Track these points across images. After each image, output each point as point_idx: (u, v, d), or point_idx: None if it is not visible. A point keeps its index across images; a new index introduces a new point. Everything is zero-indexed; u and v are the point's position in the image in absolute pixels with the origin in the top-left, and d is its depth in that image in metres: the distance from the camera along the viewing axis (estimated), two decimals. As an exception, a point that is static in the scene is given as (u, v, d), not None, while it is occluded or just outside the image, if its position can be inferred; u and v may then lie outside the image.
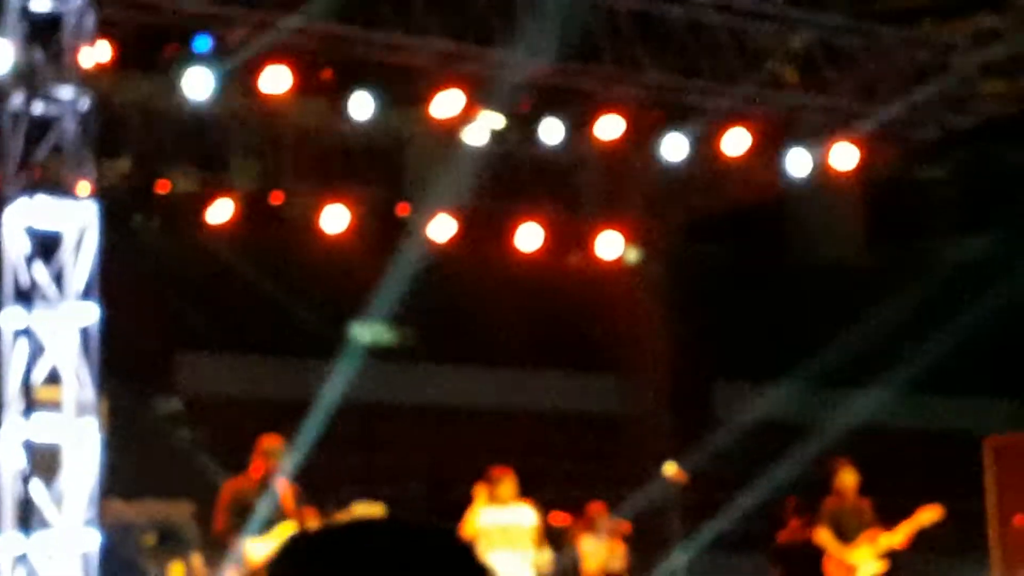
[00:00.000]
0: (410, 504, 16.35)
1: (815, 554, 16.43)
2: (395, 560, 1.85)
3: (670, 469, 15.84)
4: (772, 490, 19.71)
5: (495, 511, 15.19)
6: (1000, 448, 17.82)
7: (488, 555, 14.96)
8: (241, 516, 14.26)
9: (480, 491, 15.15)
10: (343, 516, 14.88)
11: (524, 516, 15.22)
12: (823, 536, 16.38)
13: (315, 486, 15.13)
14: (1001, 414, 21.36)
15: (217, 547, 14.37)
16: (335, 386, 19.43)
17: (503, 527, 15.14)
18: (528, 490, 16.57)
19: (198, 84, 15.05)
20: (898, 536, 16.35)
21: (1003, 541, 17.40)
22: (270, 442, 14.64)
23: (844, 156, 17.17)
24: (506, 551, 15.02)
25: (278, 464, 14.52)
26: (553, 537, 16.36)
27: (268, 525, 14.35)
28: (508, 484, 15.24)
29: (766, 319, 20.32)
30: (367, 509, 15.00)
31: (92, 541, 11.90)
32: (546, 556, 15.18)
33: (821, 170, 17.55)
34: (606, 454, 15.74)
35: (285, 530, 14.40)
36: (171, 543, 14.20)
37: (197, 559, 14.31)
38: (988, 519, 17.40)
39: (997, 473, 17.62)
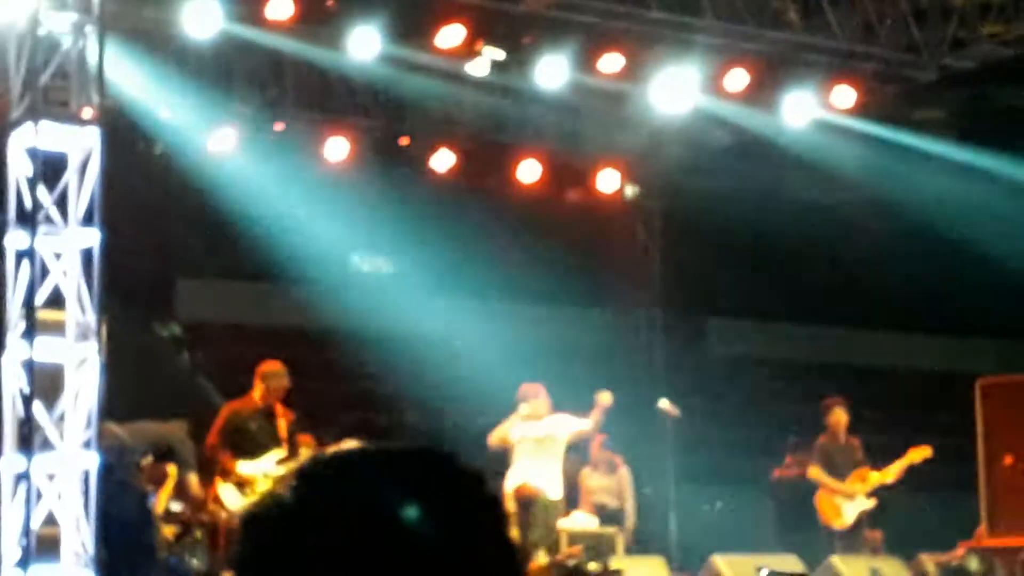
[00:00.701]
0: (406, 433, 16.51)
1: (808, 490, 16.64)
2: (401, 484, 1.82)
3: (664, 404, 16.01)
4: (766, 426, 19.91)
5: (530, 425, 15.43)
6: (991, 388, 17.97)
7: (524, 465, 15.26)
8: (237, 436, 14.49)
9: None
10: (339, 445, 15.01)
11: (559, 427, 15.47)
12: (815, 472, 16.59)
13: (312, 414, 15.32)
14: (992, 354, 21.53)
15: (207, 462, 14.60)
16: (332, 314, 19.57)
17: (539, 439, 15.40)
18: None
19: (203, 15, 15.19)
20: (888, 474, 16.55)
21: (991, 480, 17.59)
22: (271, 367, 14.84)
23: (843, 96, 17.24)
24: (540, 460, 15.32)
25: (278, 389, 14.74)
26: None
27: (262, 448, 14.57)
28: (542, 400, 15.49)
29: (762, 256, 20.43)
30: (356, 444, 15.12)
31: (92, 462, 12.04)
32: None
33: (820, 110, 17.64)
34: (601, 388, 15.85)
35: (277, 454, 14.61)
36: (167, 463, 14.36)
37: (193, 478, 14.48)
38: (978, 458, 17.58)
39: (987, 413, 17.78)
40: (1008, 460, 17.51)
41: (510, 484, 15.37)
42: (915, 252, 20.67)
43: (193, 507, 14.32)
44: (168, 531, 13.90)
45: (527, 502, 15.21)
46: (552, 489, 15.42)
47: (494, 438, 15.65)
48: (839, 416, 16.71)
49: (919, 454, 16.65)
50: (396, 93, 17.80)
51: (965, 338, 22.76)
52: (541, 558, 14.78)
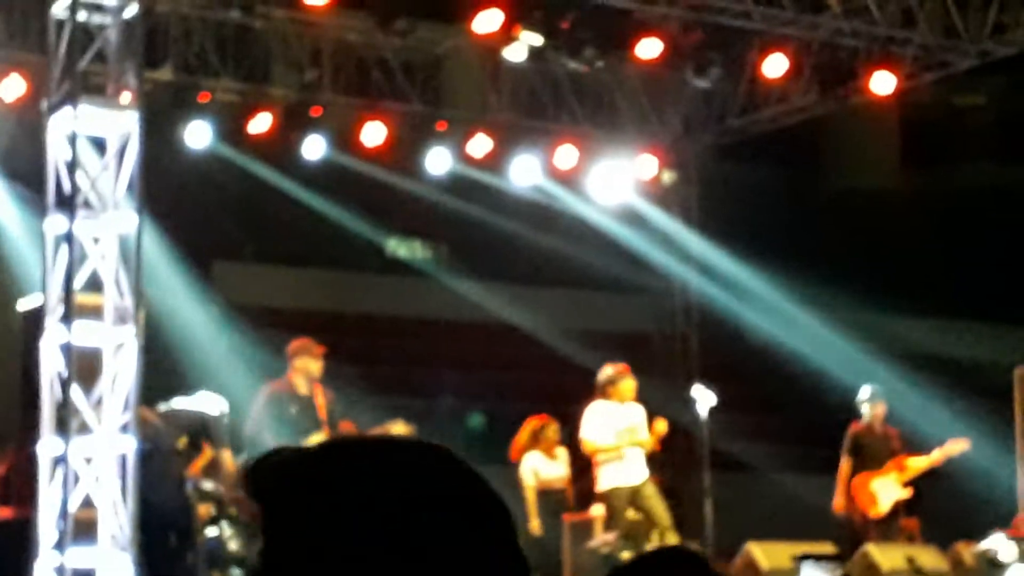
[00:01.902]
0: (442, 418, 16.53)
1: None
2: (401, 480, 1.82)
3: (698, 390, 15.96)
4: (804, 413, 19.88)
5: (616, 408, 15.38)
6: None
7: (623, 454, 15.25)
8: (276, 418, 14.44)
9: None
10: (377, 430, 15.04)
11: (639, 413, 15.49)
12: (842, 465, 16.55)
13: (348, 398, 15.31)
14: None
15: (248, 445, 14.56)
16: (369, 299, 19.61)
17: (630, 427, 15.37)
18: (557, 408, 16.75)
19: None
20: (925, 464, 16.49)
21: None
22: (300, 344, 14.76)
23: (882, 82, 17.14)
24: (633, 448, 15.32)
25: (314, 370, 14.65)
26: (580, 455, 16.55)
27: (304, 432, 14.52)
28: (629, 382, 15.47)
29: (798, 243, 20.36)
30: (401, 427, 15.14)
31: (129, 446, 12.09)
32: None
33: (858, 96, 17.56)
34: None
35: (319, 438, 14.57)
36: (202, 444, 14.34)
37: (227, 455, 14.43)
38: (1017, 448, 17.49)
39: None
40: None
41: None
42: (950, 237, 20.56)
43: (227, 485, 14.30)
44: (203, 510, 13.91)
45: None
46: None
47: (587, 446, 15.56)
48: (877, 406, 16.66)
49: (956, 447, 16.59)
50: (433, 77, 17.80)
51: (1006, 326, 22.64)
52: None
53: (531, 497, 16.00)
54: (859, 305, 21.46)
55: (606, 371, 15.53)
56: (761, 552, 15.33)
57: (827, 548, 15.48)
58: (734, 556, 15.57)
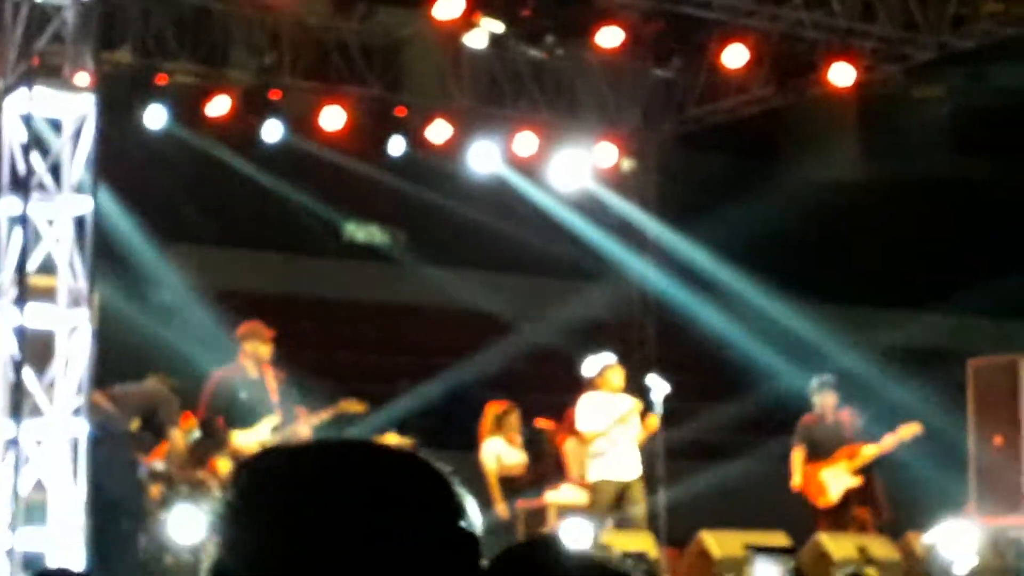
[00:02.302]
0: (398, 402, 16.54)
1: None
2: (355, 481, 1.88)
3: (653, 379, 16.01)
4: (756, 402, 19.95)
5: (606, 398, 15.44)
6: (983, 369, 17.99)
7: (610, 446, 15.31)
8: (226, 403, 14.41)
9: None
10: (330, 411, 15.02)
11: (629, 402, 15.55)
12: (794, 454, 16.62)
13: (303, 383, 15.29)
14: (985, 333, 21.53)
15: (202, 436, 14.54)
16: (325, 283, 19.57)
17: (621, 417, 15.43)
18: (515, 394, 16.78)
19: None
20: (877, 451, 16.57)
21: (980, 460, 17.62)
22: (249, 327, 14.71)
23: (842, 74, 17.19)
24: (625, 441, 15.39)
25: (264, 353, 14.61)
26: (537, 441, 16.58)
27: (255, 416, 14.49)
28: (617, 372, 15.54)
29: (756, 232, 20.42)
30: (353, 404, 15.15)
31: (81, 429, 12.06)
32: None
33: (818, 87, 17.61)
34: (592, 361, 15.87)
35: (271, 421, 14.56)
36: (154, 425, 14.27)
37: (177, 434, 14.38)
38: (968, 438, 17.60)
39: (979, 393, 17.80)
40: (998, 441, 17.55)
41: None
42: (909, 230, 20.65)
43: (177, 464, 14.25)
44: (154, 491, 13.88)
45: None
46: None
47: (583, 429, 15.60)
48: (827, 396, 16.74)
49: (909, 431, 16.67)
50: (393, 62, 17.76)
51: (958, 316, 22.77)
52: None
53: (494, 482, 16.05)
54: (815, 295, 21.53)
55: (594, 363, 15.63)
56: (713, 541, 15.39)
57: (779, 538, 15.55)
58: (687, 544, 15.63)
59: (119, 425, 13.58)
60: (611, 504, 15.48)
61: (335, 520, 1.83)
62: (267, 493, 1.88)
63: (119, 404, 13.76)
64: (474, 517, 1.93)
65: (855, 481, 16.55)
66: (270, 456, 1.96)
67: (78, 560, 11.73)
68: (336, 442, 1.96)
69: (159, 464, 13.93)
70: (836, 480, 16.53)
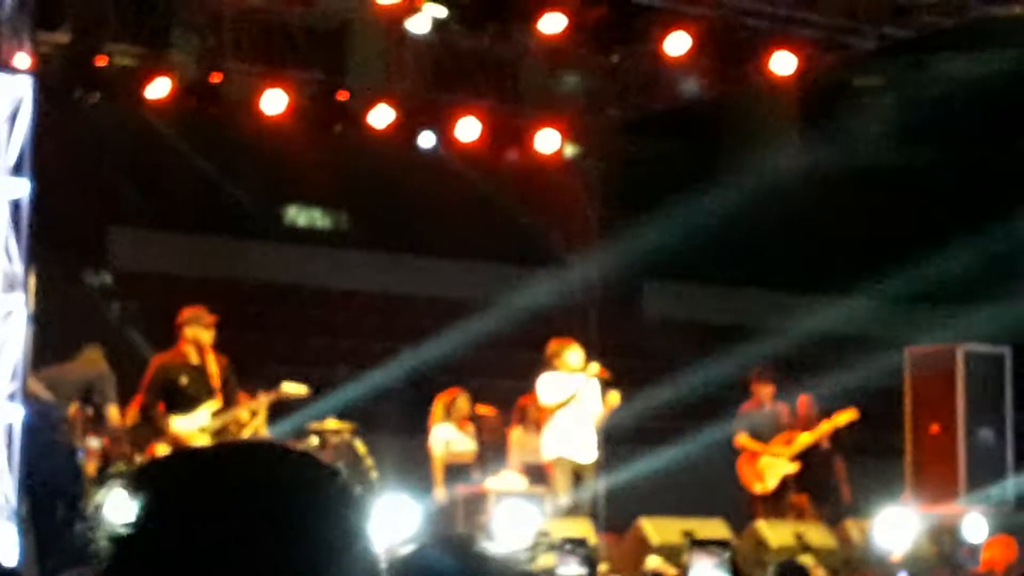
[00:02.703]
0: (337, 387, 16.50)
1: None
2: (255, 486, 1.92)
3: (593, 369, 16.03)
4: (698, 389, 20.01)
5: (563, 377, 15.45)
6: (920, 357, 18.11)
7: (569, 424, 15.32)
8: (167, 392, 14.33)
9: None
10: (271, 395, 14.97)
11: (589, 383, 15.59)
12: (741, 439, 16.70)
13: (244, 367, 15.23)
14: (921, 321, 21.67)
15: (142, 424, 14.45)
16: (266, 267, 19.49)
17: (578, 395, 15.46)
18: (458, 380, 16.77)
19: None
20: (812, 436, 16.65)
21: (917, 448, 17.75)
22: (190, 312, 14.61)
23: (783, 63, 17.24)
24: (582, 423, 15.41)
25: (202, 335, 14.53)
26: (480, 428, 16.58)
27: (194, 401, 14.41)
28: (573, 351, 15.58)
29: (699, 218, 20.47)
30: (294, 388, 15.10)
31: (16, 415, 11.96)
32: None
33: (760, 76, 17.66)
34: (535, 347, 15.89)
35: (211, 407, 14.48)
36: (93, 403, 14.12)
37: (113, 409, 14.24)
38: (904, 426, 17.72)
39: (916, 381, 17.92)
40: (934, 429, 17.68)
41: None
42: (850, 217, 20.76)
43: (112, 439, 14.10)
44: (90, 468, 13.77)
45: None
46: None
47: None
48: (765, 383, 16.82)
49: (845, 417, 16.76)
50: (336, 45, 17.68)
51: (897, 304, 22.90)
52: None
53: (439, 467, 16.09)
54: (754, 281, 21.63)
55: (551, 345, 15.70)
56: (652, 527, 15.43)
57: (717, 526, 15.61)
58: (625, 531, 15.67)
59: (55, 412, 13.46)
60: (569, 485, 15.51)
61: (230, 526, 1.88)
62: (166, 501, 1.91)
63: (55, 387, 13.62)
64: (369, 518, 1.97)
65: (792, 467, 16.63)
66: (168, 463, 2.02)
67: (11, 549, 11.64)
68: (231, 448, 2.01)
69: (94, 440, 13.78)
70: (773, 467, 16.61)
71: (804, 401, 17.07)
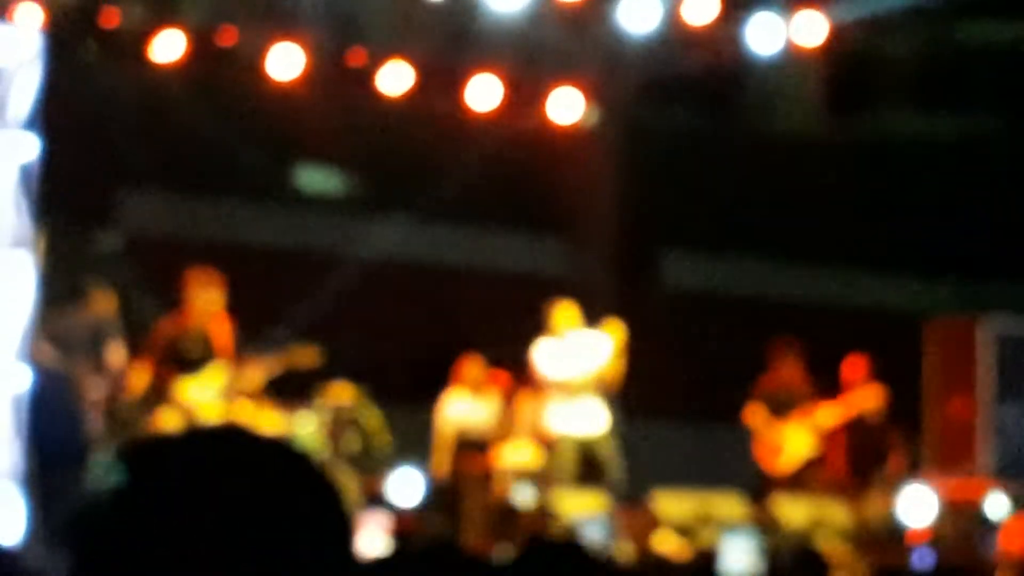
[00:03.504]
0: (345, 354, 16.24)
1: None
2: (234, 474, 1.97)
3: (605, 330, 15.75)
4: (718, 362, 19.74)
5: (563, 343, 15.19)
6: (939, 331, 17.84)
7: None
8: (174, 356, 14.12)
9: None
10: (280, 360, 14.79)
11: (584, 340, 15.33)
12: (754, 414, 16.40)
13: (253, 333, 15.00)
14: (943, 296, 21.38)
15: (151, 389, 14.22)
16: (276, 230, 19.23)
17: (572, 357, 15.21)
18: (469, 348, 16.51)
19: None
20: (834, 415, 16.37)
21: (937, 424, 17.48)
22: (197, 277, 14.39)
23: (811, 28, 16.85)
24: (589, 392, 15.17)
25: (210, 302, 14.31)
26: (490, 396, 16.35)
27: (202, 365, 14.21)
28: (562, 312, 15.33)
29: (720, 188, 20.17)
30: (303, 353, 14.91)
31: (23, 378, 11.76)
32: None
33: (786, 42, 17.30)
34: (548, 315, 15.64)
35: (218, 369, 14.26)
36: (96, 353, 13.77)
37: (117, 349, 13.88)
38: (924, 402, 17.45)
39: (934, 356, 17.65)
40: (955, 405, 17.40)
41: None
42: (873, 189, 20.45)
43: (115, 384, 13.76)
44: (96, 423, 13.49)
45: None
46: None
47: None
48: (786, 356, 16.53)
49: (869, 396, 16.50)
50: (349, 8, 17.38)
51: (916, 278, 22.59)
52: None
53: (447, 439, 15.92)
54: (775, 251, 21.32)
55: (548, 309, 15.49)
56: (665, 501, 15.25)
57: (733, 501, 15.41)
58: (642, 503, 15.46)
59: (62, 377, 13.18)
60: (574, 465, 15.22)
61: (210, 513, 1.93)
62: (138, 487, 1.96)
63: (63, 340, 13.27)
64: (345, 506, 2.02)
65: (813, 446, 16.35)
66: (143, 448, 2.04)
67: (15, 519, 11.45)
68: (209, 434, 2.06)
69: (95, 391, 13.41)
70: (794, 442, 16.33)
71: (853, 363, 16.73)
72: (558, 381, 15.27)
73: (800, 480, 16.22)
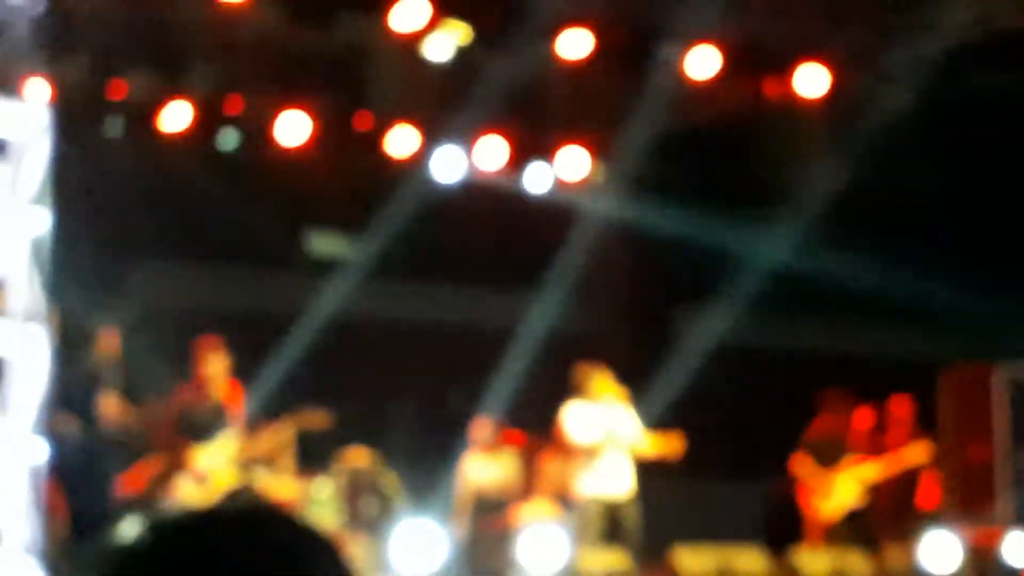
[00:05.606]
0: (358, 420, 16.23)
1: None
2: (244, 555, 1.98)
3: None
4: (748, 418, 19.69)
5: (592, 408, 15.13)
6: (955, 379, 17.78)
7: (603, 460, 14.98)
8: (188, 425, 14.15)
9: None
10: (290, 423, 14.81)
11: (621, 411, 15.28)
12: (800, 464, 16.35)
13: (266, 400, 15.01)
14: (958, 343, 21.29)
15: (167, 462, 14.24)
16: (286, 297, 19.22)
17: (609, 427, 15.16)
18: (486, 409, 16.49)
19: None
20: (882, 470, 16.30)
21: (956, 471, 17.40)
22: (206, 344, 14.47)
23: (814, 80, 16.93)
24: (617, 453, 15.11)
25: (220, 370, 14.38)
26: (506, 456, 16.32)
27: (215, 430, 14.24)
28: (600, 379, 15.28)
29: (730, 241, 20.16)
30: (314, 416, 14.92)
31: (40, 451, 11.74)
32: None
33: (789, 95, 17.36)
34: (565, 372, 15.60)
35: (231, 436, 14.27)
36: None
37: (112, 399, 13.91)
38: (940, 449, 17.35)
39: (950, 404, 17.59)
40: (973, 450, 17.33)
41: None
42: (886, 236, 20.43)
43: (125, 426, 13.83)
44: None
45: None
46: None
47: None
48: (835, 405, 16.52)
49: (918, 452, 16.47)
50: (356, 71, 17.46)
51: (928, 326, 22.54)
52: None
53: (466, 499, 15.89)
54: (781, 304, 21.28)
55: (579, 371, 15.44)
56: (686, 558, 15.17)
57: (754, 556, 15.33)
58: (663, 560, 15.39)
59: (88, 445, 13.22)
60: (599, 525, 15.15)
61: None
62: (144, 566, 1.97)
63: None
64: None
65: (859, 498, 16.27)
66: (153, 526, 2.04)
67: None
68: (222, 514, 2.06)
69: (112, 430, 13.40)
70: (839, 495, 16.24)
71: (898, 404, 16.72)
72: (587, 445, 15.23)
73: (843, 530, 16.14)
